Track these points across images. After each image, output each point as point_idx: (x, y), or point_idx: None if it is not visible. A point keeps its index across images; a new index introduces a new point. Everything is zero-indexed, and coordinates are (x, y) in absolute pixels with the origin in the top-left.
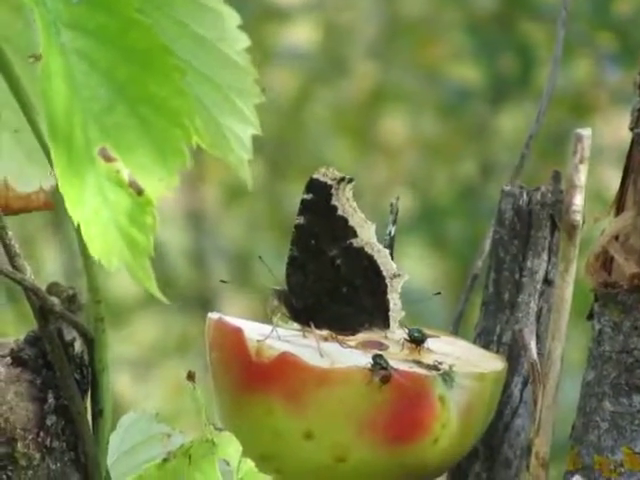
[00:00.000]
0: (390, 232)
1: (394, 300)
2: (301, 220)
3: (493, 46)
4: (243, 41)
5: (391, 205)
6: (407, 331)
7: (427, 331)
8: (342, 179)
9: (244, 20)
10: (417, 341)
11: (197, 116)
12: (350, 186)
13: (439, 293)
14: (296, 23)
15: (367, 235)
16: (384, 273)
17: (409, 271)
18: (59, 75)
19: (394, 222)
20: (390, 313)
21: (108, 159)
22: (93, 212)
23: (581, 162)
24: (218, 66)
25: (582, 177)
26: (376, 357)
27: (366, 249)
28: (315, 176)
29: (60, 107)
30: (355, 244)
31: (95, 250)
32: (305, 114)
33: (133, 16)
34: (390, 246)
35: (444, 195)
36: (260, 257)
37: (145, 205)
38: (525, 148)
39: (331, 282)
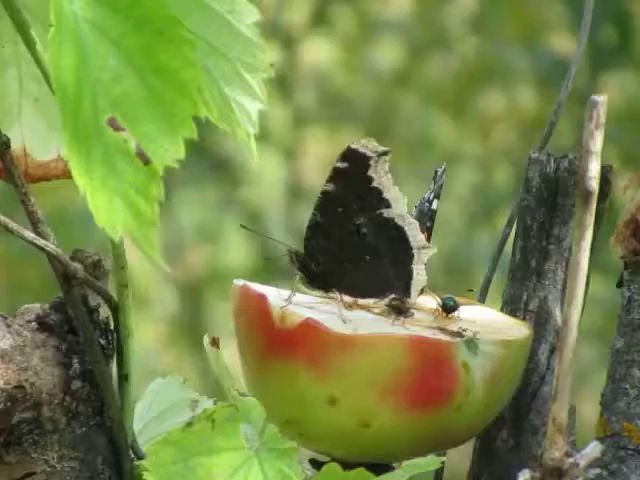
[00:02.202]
0: (430, 203)
1: (418, 271)
2: (330, 187)
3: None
4: (253, 14)
5: (435, 173)
6: (440, 299)
7: (459, 299)
8: (383, 152)
9: None
10: (449, 309)
11: (206, 88)
12: (387, 158)
13: (471, 290)
14: None
15: (400, 208)
16: (412, 244)
17: None
18: (70, 43)
19: (438, 195)
20: (412, 282)
21: (116, 129)
22: (100, 181)
23: (596, 128)
24: (228, 39)
25: (598, 143)
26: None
27: (396, 220)
28: (354, 146)
29: (69, 75)
30: (386, 214)
31: (100, 218)
32: (405, 87)
33: None
34: (431, 218)
35: None
36: (242, 225)
37: (151, 175)
38: (553, 115)
39: (355, 249)
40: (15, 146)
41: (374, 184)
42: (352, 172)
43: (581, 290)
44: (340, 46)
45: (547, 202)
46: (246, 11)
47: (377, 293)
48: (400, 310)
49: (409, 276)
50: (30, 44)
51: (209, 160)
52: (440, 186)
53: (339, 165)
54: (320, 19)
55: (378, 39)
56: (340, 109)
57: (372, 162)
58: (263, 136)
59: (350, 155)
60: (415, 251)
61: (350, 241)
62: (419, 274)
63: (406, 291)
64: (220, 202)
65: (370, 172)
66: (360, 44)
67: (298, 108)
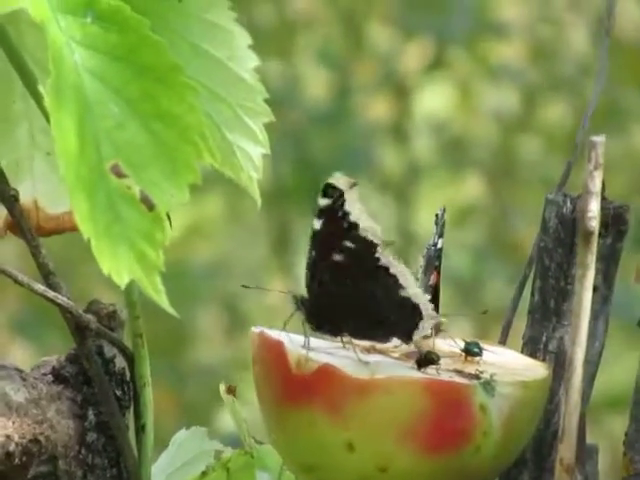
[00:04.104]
0: (436, 244)
1: (424, 327)
2: (318, 225)
3: None
4: (253, 60)
5: (436, 216)
6: (464, 343)
7: (482, 343)
8: (353, 184)
9: (464, 34)
10: (474, 355)
11: (209, 134)
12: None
13: (486, 312)
14: (510, 39)
15: (410, 283)
16: (422, 310)
17: None
18: (71, 92)
19: (441, 234)
20: (416, 332)
21: (120, 175)
22: (104, 227)
23: (596, 168)
24: (229, 84)
25: (597, 183)
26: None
27: (412, 299)
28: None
29: (70, 123)
30: (402, 294)
31: (105, 265)
32: (525, 130)
33: (146, 34)
34: (438, 258)
35: None
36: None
37: (156, 221)
38: (573, 156)
39: (367, 306)
40: (26, 200)
41: (381, 263)
42: (359, 250)
43: (585, 328)
44: (457, 90)
45: (564, 243)
46: (246, 57)
47: (382, 337)
48: (433, 362)
49: (414, 327)
50: (38, 98)
51: None
52: (442, 226)
53: (346, 244)
54: (436, 64)
55: (493, 83)
56: (459, 155)
57: (378, 248)
58: (379, 183)
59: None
60: (425, 314)
61: (362, 301)
62: (423, 329)
63: (408, 337)
64: None
65: (377, 254)
66: (477, 88)
67: (416, 155)
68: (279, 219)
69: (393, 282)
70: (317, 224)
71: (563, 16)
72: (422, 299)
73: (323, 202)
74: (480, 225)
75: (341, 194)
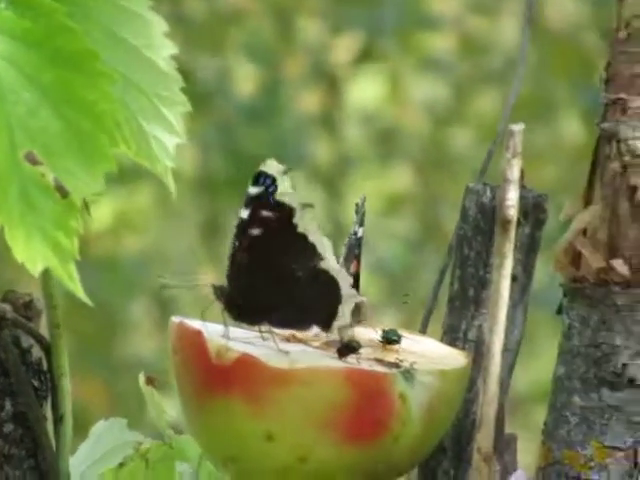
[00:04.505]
0: (356, 233)
1: (344, 312)
2: (256, 231)
3: None
4: (170, 48)
5: (356, 205)
6: (382, 332)
7: (400, 331)
8: (307, 204)
9: (398, 26)
10: (392, 343)
11: (124, 123)
12: (311, 209)
13: (407, 295)
14: (440, 31)
15: (325, 251)
16: (342, 291)
17: None
18: None
19: (361, 223)
20: (335, 320)
21: (34, 163)
22: (18, 215)
23: (514, 157)
24: (145, 73)
25: (515, 172)
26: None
27: (331, 272)
28: (279, 197)
29: None
30: (321, 265)
31: (19, 254)
32: (455, 123)
33: (61, 20)
34: (358, 246)
35: None
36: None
37: (70, 209)
38: (492, 145)
39: (285, 289)
40: None
41: (299, 230)
42: (277, 220)
43: (502, 317)
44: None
45: (483, 231)
46: (162, 45)
47: (301, 325)
48: (354, 349)
49: (333, 313)
50: None
51: None
52: (362, 215)
53: (263, 213)
54: (366, 56)
55: (424, 75)
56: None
57: (297, 212)
58: (311, 175)
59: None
60: (344, 297)
61: (280, 282)
62: (343, 315)
63: (327, 325)
64: None
65: (295, 219)
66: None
67: (347, 146)
68: (209, 210)
69: (311, 251)
70: (244, 213)
71: (493, 7)
72: (341, 274)
73: (253, 190)
74: (410, 215)
75: (273, 180)
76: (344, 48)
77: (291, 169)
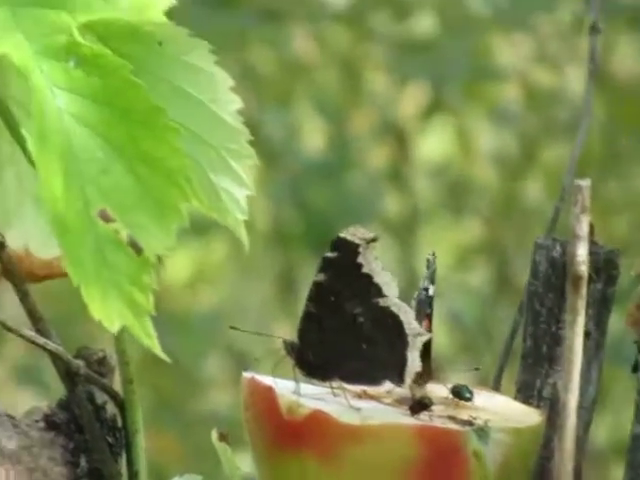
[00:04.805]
0: (427, 289)
1: (413, 357)
2: (321, 277)
3: None
4: (235, 102)
5: (427, 261)
6: (453, 388)
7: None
8: (372, 239)
9: (463, 77)
10: (464, 399)
11: (194, 177)
12: (375, 245)
13: (478, 369)
14: (506, 82)
15: (392, 294)
16: (407, 332)
17: None
18: (54, 136)
19: (432, 280)
20: (406, 369)
21: (107, 220)
22: (93, 274)
23: (582, 212)
24: (212, 127)
25: (584, 227)
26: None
27: (392, 308)
28: (342, 235)
29: (55, 170)
30: (382, 303)
31: (96, 311)
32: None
33: (127, 77)
34: (429, 304)
35: None
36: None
37: (144, 265)
38: (558, 201)
39: (351, 338)
40: (17, 246)
41: (364, 270)
42: (341, 260)
43: (577, 375)
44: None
45: (555, 287)
46: (228, 99)
47: (373, 381)
48: (426, 406)
49: (403, 363)
50: (22, 142)
51: None
52: (433, 272)
53: (329, 255)
54: (433, 108)
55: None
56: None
57: (361, 249)
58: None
59: (339, 244)
60: (410, 338)
61: (346, 330)
62: (414, 360)
63: (400, 378)
64: None
65: (359, 259)
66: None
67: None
68: (283, 263)
69: (375, 291)
70: (320, 277)
71: (558, 57)
72: (403, 308)
73: (331, 255)
74: (482, 268)
75: (355, 246)
76: (411, 100)
77: (377, 238)
